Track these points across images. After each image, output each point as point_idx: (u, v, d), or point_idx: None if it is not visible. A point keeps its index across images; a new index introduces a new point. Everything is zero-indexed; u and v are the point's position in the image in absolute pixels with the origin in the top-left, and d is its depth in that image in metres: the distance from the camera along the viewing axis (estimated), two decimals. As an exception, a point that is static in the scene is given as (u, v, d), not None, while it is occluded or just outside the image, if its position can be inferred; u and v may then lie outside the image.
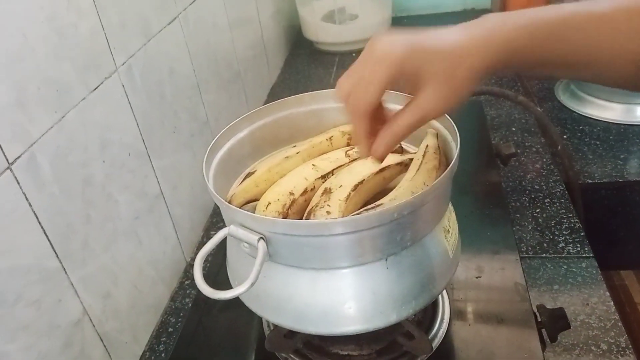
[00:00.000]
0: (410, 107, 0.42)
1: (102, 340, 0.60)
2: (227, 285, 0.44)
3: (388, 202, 0.46)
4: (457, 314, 0.62)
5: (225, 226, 0.47)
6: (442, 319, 0.60)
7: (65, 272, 0.55)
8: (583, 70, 0.45)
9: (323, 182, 0.52)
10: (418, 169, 0.50)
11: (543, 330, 0.60)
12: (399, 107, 0.42)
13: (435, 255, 0.49)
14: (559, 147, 0.97)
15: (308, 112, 0.60)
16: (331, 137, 0.58)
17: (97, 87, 0.61)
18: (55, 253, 0.53)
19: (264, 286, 0.49)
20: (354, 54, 1.43)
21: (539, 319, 0.60)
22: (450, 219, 0.52)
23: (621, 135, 1.03)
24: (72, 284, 0.56)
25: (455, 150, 0.48)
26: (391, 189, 0.50)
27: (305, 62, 1.45)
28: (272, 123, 0.60)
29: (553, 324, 0.59)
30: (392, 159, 0.53)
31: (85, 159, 0.59)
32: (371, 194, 0.53)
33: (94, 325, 0.59)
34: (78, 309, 0.57)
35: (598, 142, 1.02)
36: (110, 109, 0.64)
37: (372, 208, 0.45)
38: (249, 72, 1.15)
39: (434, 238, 0.49)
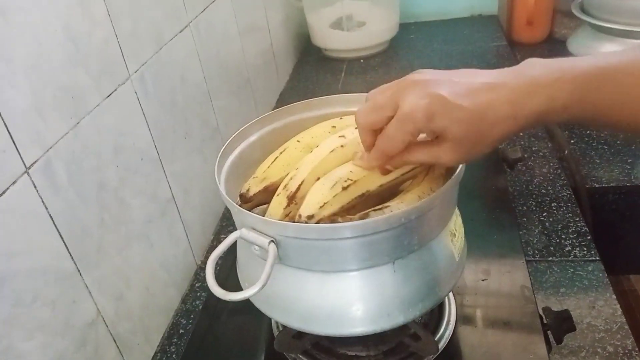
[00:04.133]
0: (428, 150, 0.42)
1: (115, 341, 0.62)
2: (237, 288, 0.45)
3: (395, 205, 0.47)
4: (463, 316, 0.63)
5: (236, 229, 0.48)
6: (449, 321, 0.61)
7: (80, 274, 0.56)
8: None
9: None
10: (426, 175, 0.51)
11: (549, 333, 0.61)
12: None
13: (441, 258, 0.50)
14: (566, 152, 0.98)
15: (317, 117, 0.61)
16: (334, 126, 0.58)
17: (110, 94, 0.63)
18: (71, 255, 0.55)
19: (274, 288, 0.50)
20: (361, 60, 1.45)
21: (545, 321, 0.61)
22: (456, 223, 0.53)
23: (628, 139, 1.03)
24: (86, 286, 0.57)
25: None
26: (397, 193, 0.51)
27: (314, 69, 1.46)
28: (282, 127, 0.61)
29: (559, 326, 0.60)
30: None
31: (100, 164, 0.61)
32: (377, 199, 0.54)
33: (107, 326, 0.60)
34: (92, 310, 0.58)
35: (605, 147, 1.02)
36: (123, 116, 0.65)
37: (380, 209, 0.46)
38: (259, 78, 1.17)
39: (440, 242, 0.50)
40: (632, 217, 0.98)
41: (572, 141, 1.04)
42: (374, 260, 0.47)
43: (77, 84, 0.57)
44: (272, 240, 0.46)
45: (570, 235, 0.80)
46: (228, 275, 0.68)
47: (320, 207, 0.46)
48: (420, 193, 0.49)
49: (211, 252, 0.47)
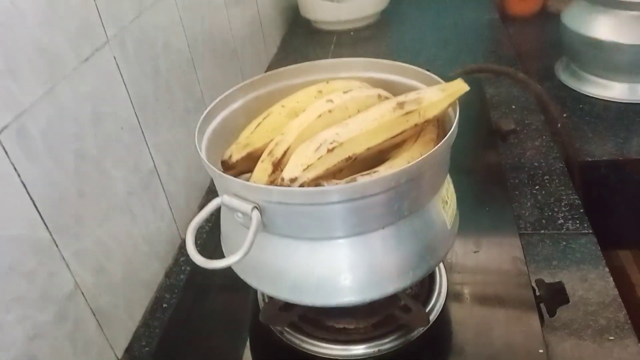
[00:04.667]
0: None
1: (94, 315, 0.60)
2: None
3: (384, 170, 0.45)
4: (454, 288, 0.61)
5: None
6: (439, 293, 0.60)
7: (57, 245, 0.54)
8: None
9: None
10: (416, 141, 0.49)
11: (541, 305, 0.59)
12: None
13: (433, 226, 0.48)
14: (559, 125, 0.96)
15: (304, 84, 0.58)
16: (320, 91, 0.56)
17: (88, 58, 0.60)
18: (46, 225, 0.52)
19: (260, 258, 0.48)
20: (351, 33, 1.41)
21: (537, 293, 0.60)
22: (448, 190, 0.51)
23: (621, 113, 1.02)
24: (63, 257, 0.55)
25: (454, 119, 0.47)
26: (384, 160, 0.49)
27: (303, 41, 1.43)
28: (267, 94, 0.59)
29: (552, 298, 0.58)
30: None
31: (78, 132, 0.58)
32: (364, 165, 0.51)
33: (86, 300, 0.58)
34: (70, 282, 0.56)
35: (598, 121, 1.01)
36: (102, 82, 0.62)
37: (368, 174, 0.44)
38: (245, 50, 1.13)
39: (432, 209, 0.48)
40: (623, 192, 0.97)
41: (564, 115, 1.03)
42: (363, 226, 0.45)
43: (52, 46, 0.54)
44: (255, 207, 0.44)
45: (563, 208, 0.78)
46: (215, 250, 0.66)
47: (304, 169, 0.44)
48: (409, 158, 0.47)
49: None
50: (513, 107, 1.03)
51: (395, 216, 0.45)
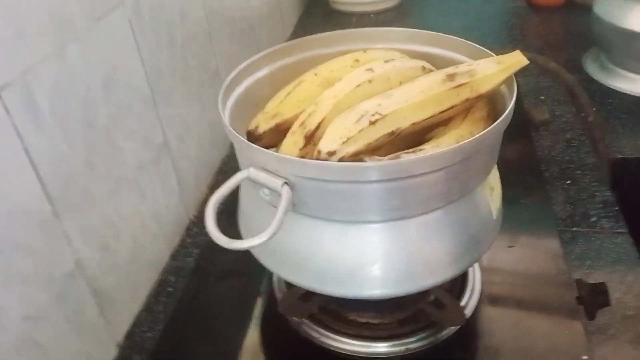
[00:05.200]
0: None
1: (96, 296, 0.55)
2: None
3: (430, 149, 0.40)
4: (488, 285, 0.57)
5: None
6: (473, 289, 0.55)
7: (59, 219, 0.49)
8: None
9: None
10: (464, 118, 0.44)
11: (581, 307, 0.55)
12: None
13: (479, 214, 0.44)
14: (590, 118, 0.91)
15: (335, 54, 0.53)
16: (357, 60, 0.51)
17: (100, 19, 0.55)
18: (49, 198, 0.47)
19: (283, 241, 0.43)
20: (371, 15, 1.36)
21: (578, 294, 0.55)
22: (495, 176, 0.46)
23: (652, 109, 0.97)
24: (65, 233, 0.50)
25: (510, 95, 0.42)
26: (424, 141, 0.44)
27: (320, 22, 1.37)
28: (295, 63, 0.53)
29: (593, 300, 0.54)
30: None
31: (88, 98, 0.53)
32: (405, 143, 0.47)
33: (88, 279, 0.54)
34: (70, 260, 0.51)
35: (628, 116, 0.96)
36: (115, 47, 0.57)
37: (413, 152, 0.39)
38: (263, 27, 1.08)
39: (479, 195, 0.43)
40: (653, 192, 0.93)
41: (593, 109, 0.98)
42: (405, 210, 0.40)
43: (62, 3, 0.49)
44: (285, 182, 0.39)
45: (597, 205, 0.74)
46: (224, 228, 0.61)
47: (344, 142, 0.39)
48: (458, 137, 0.42)
49: (205, 205, 0.39)
50: (542, 97, 0.98)
51: (443, 200, 0.40)
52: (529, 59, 1.04)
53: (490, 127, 0.38)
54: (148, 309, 0.64)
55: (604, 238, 0.68)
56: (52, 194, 0.48)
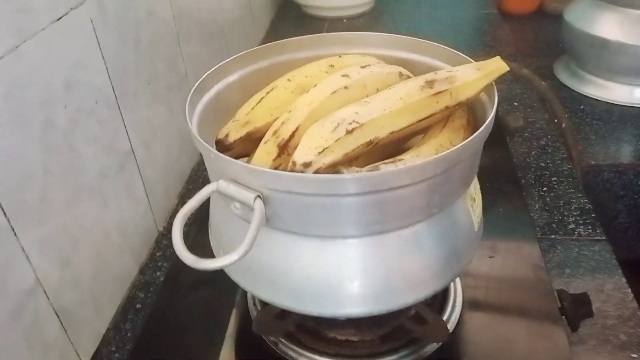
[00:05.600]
0: None
1: (57, 314, 0.51)
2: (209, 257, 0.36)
3: (410, 159, 0.38)
4: (470, 297, 0.55)
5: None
6: (454, 303, 0.53)
7: (13, 231, 0.45)
8: None
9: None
10: (444, 126, 0.42)
11: (563, 318, 0.54)
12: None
13: (460, 226, 0.42)
14: (563, 125, 0.91)
15: (309, 59, 0.51)
16: (331, 65, 0.49)
17: (62, 16, 0.51)
18: (1, 207, 0.44)
19: (257, 257, 0.40)
20: (344, 20, 1.35)
21: (559, 305, 0.54)
22: (476, 187, 0.45)
23: (623, 117, 0.98)
24: (22, 246, 0.46)
25: (491, 109, 0.40)
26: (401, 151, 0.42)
27: (292, 27, 1.35)
28: (268, 68, 0.51)
29: (575, 311, 0.52)
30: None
31: (46, 98, 0.50)
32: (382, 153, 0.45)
33: (48, 297, 0.50)
34: (30, 276, 0.48)
35: (600, 123, 0.96)
36: (76, 45, 0.54)
37: (392, 162, 0.37)
38: (233, 30, 1.05)
39: (460, 206, 0.41)
40: (625, 198, 0.93)
41: (566, 115, 0.98)
42: (385, 224, 0.38)
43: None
44: (258, 195, 0.36)
45: (573, 212, 0.73)
46: (193, 244, 0.58)
47: (320, 152, 0.36)
48: (437, 146, 0.40)
49: (175, 216, 0.37)
50: (515, 104, 0.98)
51: (424, 213, 0.38)
52: (502, 65, 1.03)
53: (473, 136, 0.36)
54: (115, 327, 0.61)
55: (582, 246, 0.68)
56: (5, 202, 0.44)
